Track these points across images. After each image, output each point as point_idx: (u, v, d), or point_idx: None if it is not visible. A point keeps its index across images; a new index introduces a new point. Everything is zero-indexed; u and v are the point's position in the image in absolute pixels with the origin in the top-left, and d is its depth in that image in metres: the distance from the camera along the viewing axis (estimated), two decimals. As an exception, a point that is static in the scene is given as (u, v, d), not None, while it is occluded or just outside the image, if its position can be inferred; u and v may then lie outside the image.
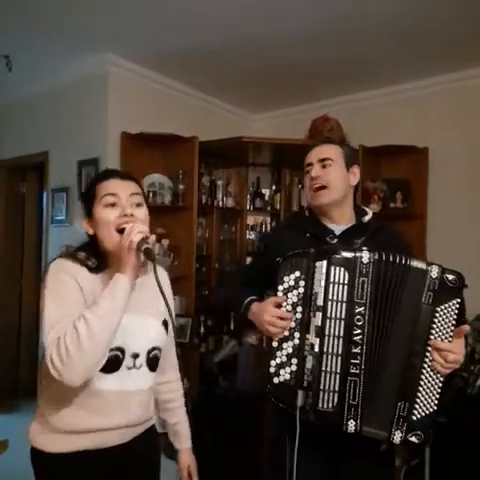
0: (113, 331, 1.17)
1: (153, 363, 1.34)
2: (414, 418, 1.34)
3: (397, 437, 1.34)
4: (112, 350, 1.23)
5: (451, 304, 1.34)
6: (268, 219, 4.41)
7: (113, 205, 1.26)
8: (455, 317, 1.34)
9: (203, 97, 4.21)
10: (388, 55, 3.38)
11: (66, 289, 1.21)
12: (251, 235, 4.37)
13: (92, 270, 1.27)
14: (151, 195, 3.51)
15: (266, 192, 4.36)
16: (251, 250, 4.32)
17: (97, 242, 1.29)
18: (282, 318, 1.41)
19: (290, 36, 3.14)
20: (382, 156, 3.79)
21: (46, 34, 3.18)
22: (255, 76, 3.81)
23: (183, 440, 1.53)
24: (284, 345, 1.42)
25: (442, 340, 1.34)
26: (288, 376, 1.40)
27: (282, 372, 1.41)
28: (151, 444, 1.44)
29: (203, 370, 3.60)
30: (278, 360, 1.42)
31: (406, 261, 1.36)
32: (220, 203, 4.09)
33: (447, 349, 1.32)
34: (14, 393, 4.28)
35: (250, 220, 4.38)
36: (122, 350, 1.26)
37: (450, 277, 1.35)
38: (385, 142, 3.61)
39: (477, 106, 3.57)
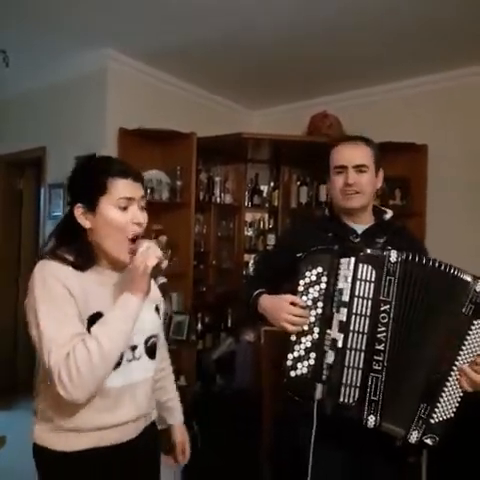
0: (123, 349, 1.19)
1: (152, 351, 1.35)
2: (432, 421, 1.36)
3: (414, 437, 1.35)
4: None
5: None
6: (266, 216, 4.41)
7: (125, 208, 1.24)
8: None
9: (201, 93, 4.19)
10: (387, 52, 3.37)
11: (61, 302, 1.17)
12: (249, 232, 4.37)
13: (78, 268, 1.23)
14: (149, 191, 3.50)
15: (264, 189, 4.35)
16: (249, 247, 4.33)
17: (85, 235, 1.26)
18: (299, 316, 1.43)
19: (289, 33, 3.13)
20: (381, 153, 3.77)
21: (45, 30, 3.15)
22: (254, 73, 3.80)
23: (176, 415, 1.57)
24: (302, 339, 1.43)
25: (472, 353, 1.36)
26: (305, 370, 1.41)
27: (299, 366, 1.42)
28: (154, 438, 1.45)
29: (200, 367, 3.60)
30: (296, 354, 1.43)
31: (451, 270, 1.37)
32: (218, 199, 4.09)
33: (470, 373, 1.35)
34: (12, 390, 4.27)
35: (248, 217, 4.38)
36: None
37: None
38: (384, 139, 3.59)
39: (477, 104, 3.56)
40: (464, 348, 1.36)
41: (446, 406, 1.36)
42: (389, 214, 1.68)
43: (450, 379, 1.36)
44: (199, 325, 3.80)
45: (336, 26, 3.04)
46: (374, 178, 1.65)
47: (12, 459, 2.53)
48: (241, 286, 1.96)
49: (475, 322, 1.35)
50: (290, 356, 1.44)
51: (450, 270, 1.37)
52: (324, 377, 1.38)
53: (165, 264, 1.21)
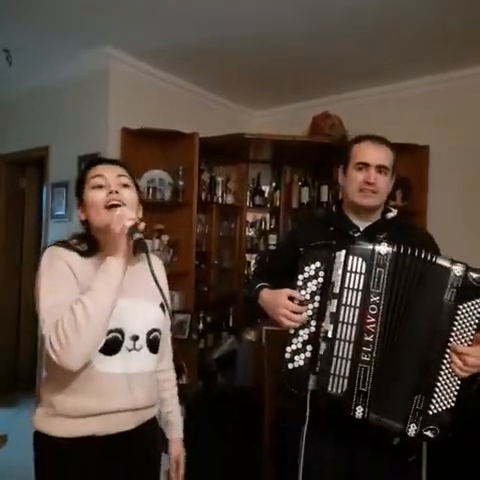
0: (109, 313, 1.19)
1: (154, 344, 1.37)
2: (430, 413, 1.34)
3: (412, 430, 1.34)
4: (111, 332, 1.25)
5: (474, 302, 1.34)
6: (267, 216, 4.42)
7: (100, 186, 1.31)
8: (478, 316, 1.34)
9: (204, 93, 4.21)
10: (389, 53, 3.39)
11: (60, 275, 1.24)
12: (250, 232, 4.38)
13: (83, 254, 1.30)
14: (151, 191, 3.52)
15: (266, 189, 4.36)
16: (250, 247, 4.33)
17: (89, 227, 1.35)
18: (296, 312, 1.45)
19: (290, 34, 3.14)
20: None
21: (47, 29, 3.17)
22: (256, 73, 3.82)
23: (175, 430, 1.54)
24: (300, 332, 1.46)
25: (463, 338, 1.34)
26: (302, 362, 1.44)
27: (297, 358, 1.44)
28: (154, 434, 1.45)
29: (202, 366, 3.61)
30: (293, 347, 1.46)
31: (429, 257, 1.37)
32: (220, 199, 4.10)
33: (466, 353, 1.32)
34: (13, 388, 4.29)
35: (250, 217, 4.40)
36: (121, 332, 1.28)
37: (474, 276, 1.34)
38: (386, 140, 3.60)
39: (478, 105, 3.57)
40: (453, 334, 1.34)
41: (443, 396, 1.34)
42: (392, 213, 1.69)
43: (443, 367, 1.34)
44: (201, 324, 3.82)
45: (337, 27, 3.05)
46: (390, 182, 1.65)
47: (13, 457, 2.53)
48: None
49: (460, 307, 1.34)
50: (288, 349, 1.46)
51: (428, 257, 1.36)
52: (317, 368, 1.40)
53: (142, 226, 1.23)
